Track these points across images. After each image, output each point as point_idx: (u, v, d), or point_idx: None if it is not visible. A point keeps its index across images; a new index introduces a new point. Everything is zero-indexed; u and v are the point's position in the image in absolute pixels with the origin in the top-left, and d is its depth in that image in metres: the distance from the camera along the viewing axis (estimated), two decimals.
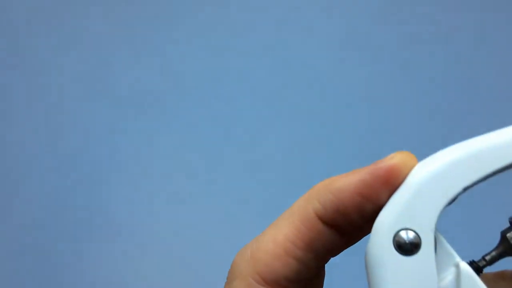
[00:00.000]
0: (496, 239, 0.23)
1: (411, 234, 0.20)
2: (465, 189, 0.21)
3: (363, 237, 0.24)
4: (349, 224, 0.22)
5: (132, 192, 0.68)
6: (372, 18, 0.69)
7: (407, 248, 0.20)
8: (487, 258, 0.22)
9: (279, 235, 0.22)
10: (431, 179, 0.20)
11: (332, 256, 0.24)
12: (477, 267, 0.22)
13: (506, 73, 0.67)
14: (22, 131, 0.68)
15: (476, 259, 0.22)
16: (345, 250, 0.25)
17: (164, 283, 0.67)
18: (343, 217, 0.22)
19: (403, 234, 0.20)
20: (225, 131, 0.69)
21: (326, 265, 0.25)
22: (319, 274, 0.25)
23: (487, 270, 0.23)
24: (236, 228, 0.64)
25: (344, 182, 0.21)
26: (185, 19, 0.69)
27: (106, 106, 0.69)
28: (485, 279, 0.22)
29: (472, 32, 0.68)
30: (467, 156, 0.21)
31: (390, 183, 0.21)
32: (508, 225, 0.23)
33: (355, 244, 0.25)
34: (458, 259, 0.21)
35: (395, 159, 0.21)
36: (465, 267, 0.21)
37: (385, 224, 0.20)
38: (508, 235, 0.22)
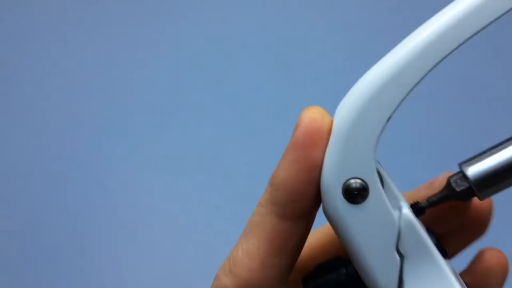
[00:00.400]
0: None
1: (356, 182, 0.20)
2: (388, 120, 0.21)
3: None
4: (312, 203, 0.22)
5: (133, 192, 0.68)
6: (373, 18, 0.69)
7: (357, 196, 0.20)
8: (430, 200, 0.22)
9: (251, 249, 0.22)
10: (354, 124, 0.20)
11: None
12: (419, 209, 0.22)
13: (506, 72, 0.67)
14: (23, 130, 0.69)
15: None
16: None
17: (165, 283, 0.67)
18: (303, 201, 0.21)
19: (349, 184, 0.20)
20: (226, 131, 0.69)
21: None
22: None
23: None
24: (238, 229, 0.64)
25: (282, 172, 0.21)
26: (184, 18, 0.69)
27: (106, 106, 0.69)
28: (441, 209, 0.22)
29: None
30: (377, 89, 0.20)
31: (318, 145, 0.21)
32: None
33: None
34: (402, 202, 0.21)
35: (305, 119, 0.21)
36: (406, 212, 0.21)
37: (329, 181, 0.20)
38: (451, 179, 0.22)
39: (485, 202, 0.25)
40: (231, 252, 0.23)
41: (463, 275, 0.26)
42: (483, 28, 0.20)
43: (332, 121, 0.21)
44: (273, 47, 0.69)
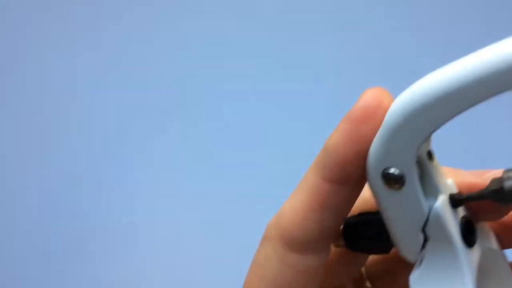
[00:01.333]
0: None
1: (395, 172, 0.22)
2: (435, 130, 0.21)
3: None
4: (353, 171, 0.24)
5: (134, 193, 0.68)
6: (373, 18, 0.69)
7: (394, 183, 0.22)
8: (470, 195, 0.23)
9: (296, 204, 0.25)
10: (404, 123, 0.21)
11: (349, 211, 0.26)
12: (456, 201, 0.23)
13: None
14: (25, 132, 0.69)
15: None
16: None
17: (165, 284, 0.67)
18: (346, 166, 0.23)
19: (388, 172, 0.22)
20: (226, 131, 0.69)
21: None
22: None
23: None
24: (239, 228, 0.64)
25: (334, 138, 0.23)
26: (184, 18, 0.69)
27: (106, 106, 0.69)
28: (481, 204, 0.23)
29: (474, 28, 0.67)
30: (435, 99, 0.20)
31: (370, 122, 0.23)
32: None
33: None
34: (440, 194, 0.23)
35: (365, 96, 0.23)
36: (437, 205, 0.23)
37: (372, 163, 0.22)
38: (493, 179, 0.23)
39: None
40: (281, 206, 0.26)
41: None
42: None
43: (390, 104, 0.23)
44: (273, 47, 0.69)
